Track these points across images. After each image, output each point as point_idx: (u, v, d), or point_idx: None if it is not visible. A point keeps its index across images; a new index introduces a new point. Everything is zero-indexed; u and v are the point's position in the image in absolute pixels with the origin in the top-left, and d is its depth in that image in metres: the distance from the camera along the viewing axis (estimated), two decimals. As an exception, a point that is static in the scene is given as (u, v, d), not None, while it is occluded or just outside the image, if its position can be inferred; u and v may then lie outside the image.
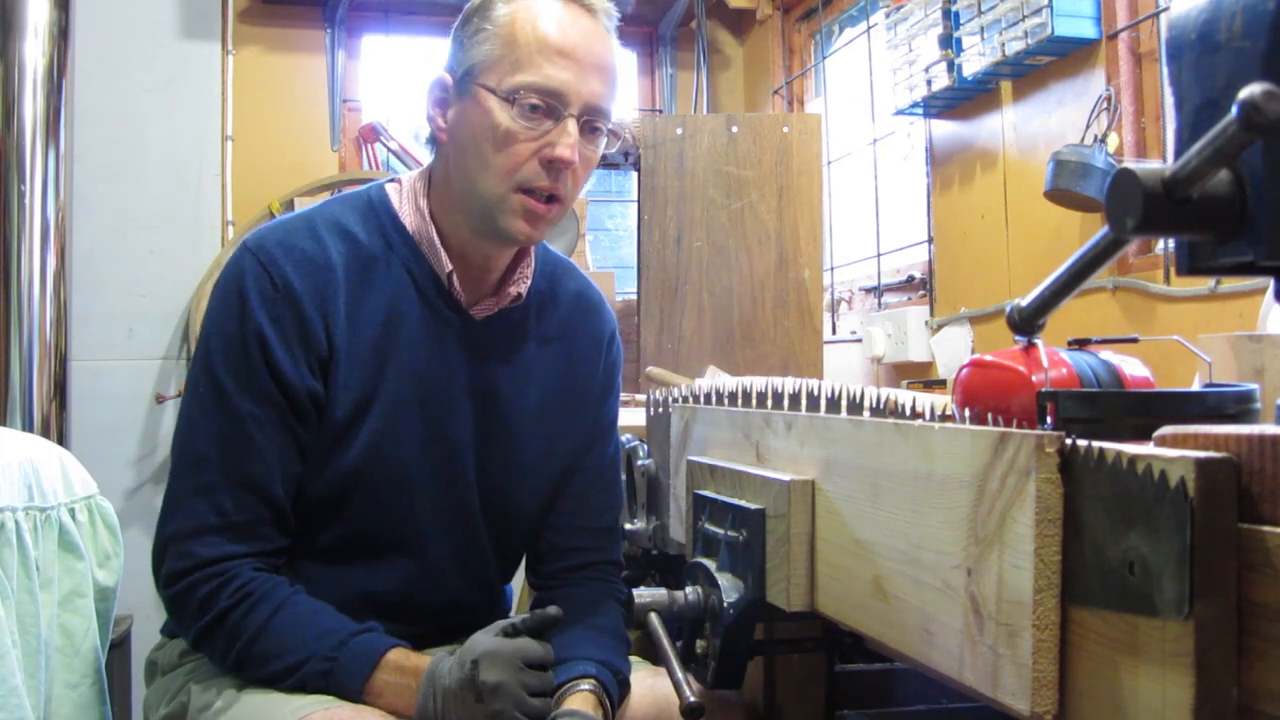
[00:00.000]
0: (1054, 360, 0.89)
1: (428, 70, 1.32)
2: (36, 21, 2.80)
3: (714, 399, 1.33)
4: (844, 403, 0.99)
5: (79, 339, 3.08)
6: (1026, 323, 0.93)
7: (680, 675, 1.11)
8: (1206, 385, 0.94)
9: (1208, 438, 0.62)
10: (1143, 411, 0.83)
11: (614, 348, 1.48)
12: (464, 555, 1.36)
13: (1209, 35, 0.70)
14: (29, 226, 2.79)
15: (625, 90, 3.97)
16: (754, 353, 2.67)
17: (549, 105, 1.21)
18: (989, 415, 0.77)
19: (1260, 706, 0.58)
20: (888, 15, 2.76)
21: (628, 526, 1.57)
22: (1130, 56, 2.19)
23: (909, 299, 3.00)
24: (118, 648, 2.75)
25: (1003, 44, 2.29)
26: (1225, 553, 0.59)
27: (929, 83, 2.59)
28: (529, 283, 1.36)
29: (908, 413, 0.87)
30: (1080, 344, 0.93)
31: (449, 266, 1.30)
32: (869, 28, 3.18)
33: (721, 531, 1.13)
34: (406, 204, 1.32)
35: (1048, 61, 2.33)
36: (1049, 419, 0.81)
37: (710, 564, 1.14)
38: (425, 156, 1.39)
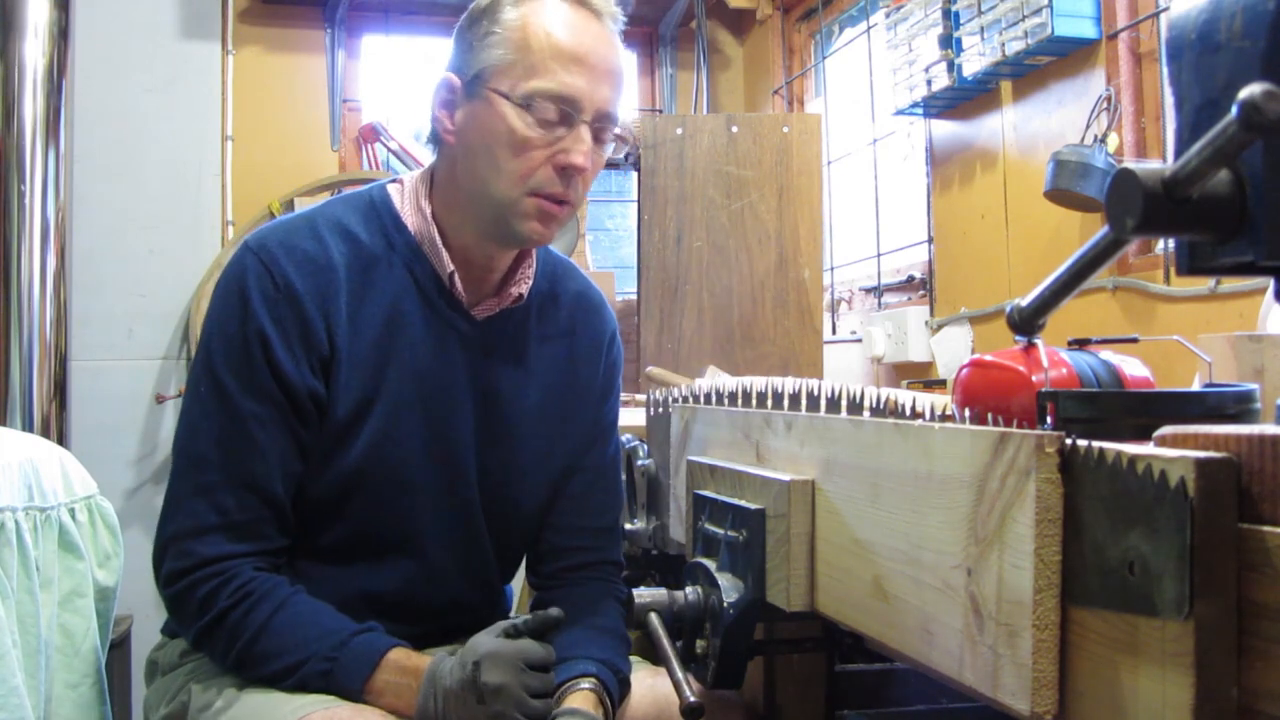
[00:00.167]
0: (1054, 360, 0.89)
1: (429, 70, 1.32)
2: (36, 21, 2.80)
3: (714, 399, 1.33)
4: (844, 403, 0.99)
5: (79, 339, 3.09)
6: (1026, 323, 0.93)
7: (680, 675, 1.11)
8: (1206, 385, 0.94)
9: (1208, 438, 0.62)
10: (1143, 411, 0.83)
11: (614, 348, 1.48)
12: (465, 555, 1.36)
13: (1209, 35, 0.70)
14: (29, 226, 2.79)
15: (626, 90, 3.98)
16: (754, 353, 2.67)
17: (563, 112, 1.22)
18: (989, 415, 0.77)
19: (1260, 706, 0.58)
20: (888, 15, 2.76)
21: (628, 526, 1.57)
22: (1130, 56, 2.19)
23: (909, 299, 3.00)
24: (118, 648, 2.75)
25: (1003, 44, 2.29)
26: (1225, 553, 0.59)
27: (929, 83, 2.59)
28: (530, 283, 1.37)
29: (908, 413, 0.87)
30: (1080, 344, 0.93)
31: (450, 267, 1.30)
32: (869, 28, 3.18)
33: (721, 531, 1.13)
34: (408, 204, 1.33)
35: (1048, 61, 2.33)
36: (1049, 419, 0.81)
37: (710, 564, 1.14)
38: (425, 156, 1.39)
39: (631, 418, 1.69)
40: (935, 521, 0.79)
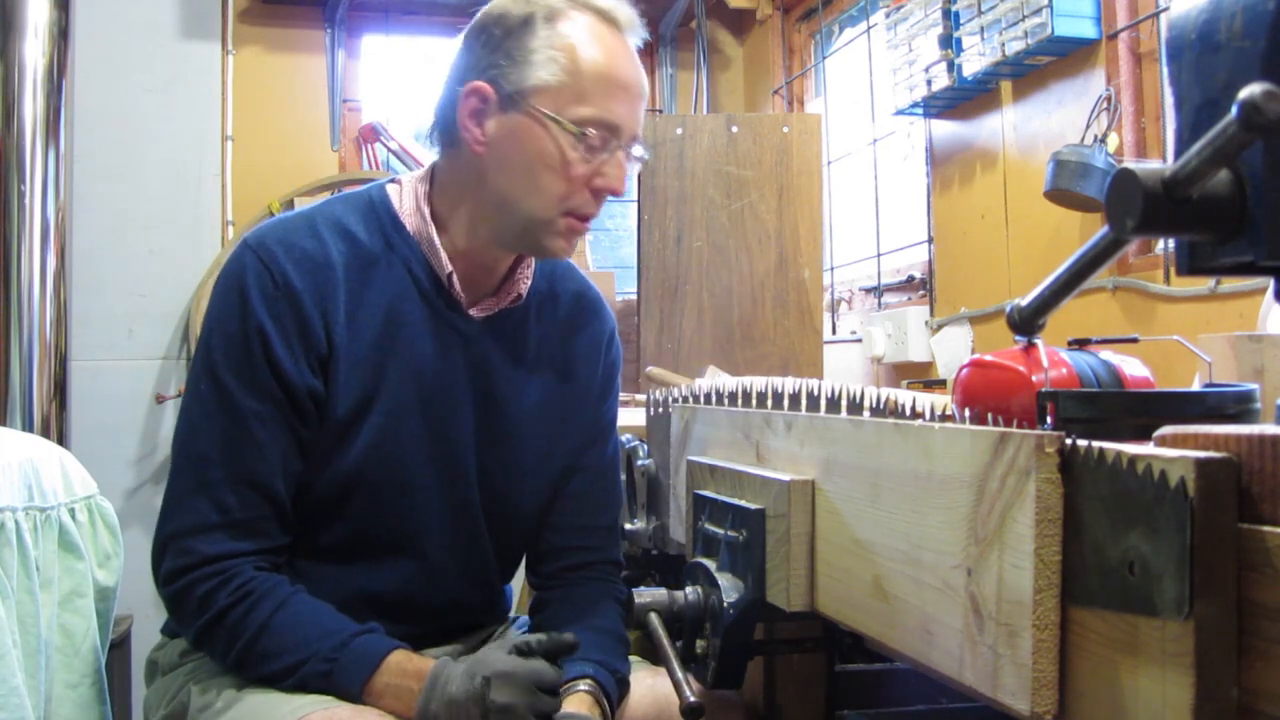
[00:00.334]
0: (1054, 360, 0.89)
1: (429, 70, 1.32)
2: (36, 21, 2.80)
3: (714, 399, 1.33)
4: (844, 403, 0.99)
5: (79, 339, 3.09)
6: (1026, 323, 0.93)
7: (680, 675, 1.11)
8: (1206, 385, 0.94)
9: (1208, 438, 0.62)
10: (1143, 411, 0.83)
11: (613, 348, 1.48)
12: (465, 555, 1.36)
13: (1209, 35, 0.70)
14: (29, 226, 2.79)
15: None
16: (754, 353, 2.67)
17: (605, 138, 1.23)
18: (989, 415, 0.77)
19: (1260, 706, 0.58)
20: (888, 15, 2.76)
21: (628, 526, 1.57)
22: (1130, 56, 2.19)
23: (909, 299, 3.00)
24: (118, 648, 2.75)
25: (1003, 44, 2.29)
26: (1225, 553, 0.59)
27: (929, 83, 2.59)
28: (529, 283, 1.37)
29: (908, 413, 0.87)
30: (1080, 344, 0.93)
31: (449, 268, 1.30)
32: (869, 28, 3.18)
33: (721, 531, 1.13)
34: (407, 204, 1.33)
35: (1048, 61, 2.33)
36: (1049, 419, 0.81)
37: (710, 564, 1.14)
38: (425, 156, 1.39)
39: (631, 418, 1.69)
40: (935, 521, 0.79)
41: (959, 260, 2.76)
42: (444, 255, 1.30)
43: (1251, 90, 0.57)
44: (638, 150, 1.28)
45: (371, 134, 3.60)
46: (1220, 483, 0.59)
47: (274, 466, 1.23)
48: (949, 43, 2.49)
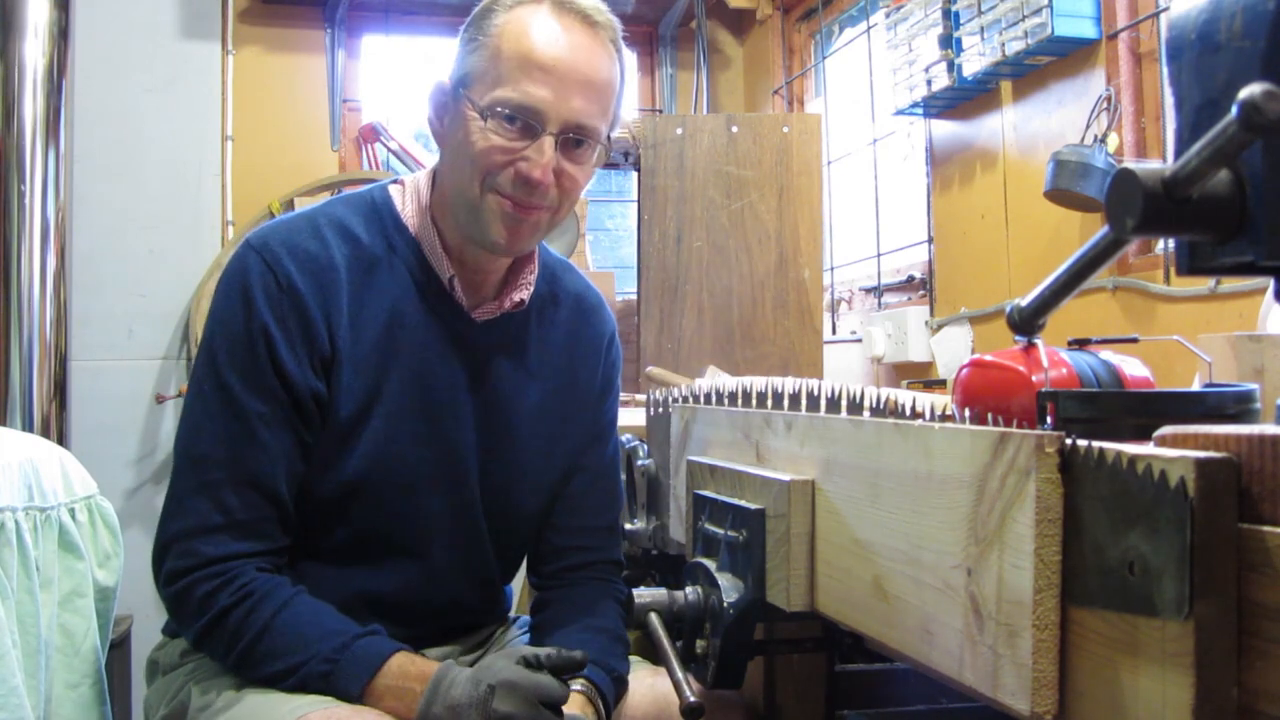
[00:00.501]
0: (1054, 360, 0.89)
1: (429, 70, 1.32)
2: (36, 21, 2.80)
3: (714, 399, 1.33)
4: (844, 403, 0.99)
5: (79, 339, 3.08)
6: (1026, 323, 0.93)
7: (680, 675, 1.11)
8: (1206, 385, 0.94)
9: (1208, 438, 0.62)
10: (1143, 411, 0.83)
11: (613, 348, 1.48)
12: (466, 556, 1.36)
13: (1209, 35, 0.70)
14: (29, 226, 2.79)
15: (626, 92, 3.98)
16: (754, 353, 2.67)
17: (525, 123, 1.20)
18: (989, 415, 0.77)
19: (1260, 706, 0.58)
20: (888, 15, 2.76)
21: (628, 526, 1.57)
22: (1130, 56, 2.19)
23: (909, 299, 3.00)
24: (118, 648, 2.75)
25: (1003, 44, 2.29)
26: (1225, 553, 0.59)
27: (929, 83, 2.59)
28: (532, 289, 1.36)
29: (908, 413, 0.87)
30: (1080, 344, 0.93)
31: (450, 271, 1.30)
32: (869, 28, 3.18)
33: (721, 531, 1.13)
34: (409, 206, 1.32)
35: (1048, 61, 2.33)
36: (1049, 419, 0.81)
37: (710, 564, 1.14)
38: (426, 157, 1.39)
39: (631, 418, 1.69)
40: (935, 521, 0.79)
41: (959, 260, 2.76)
42: (445, 258, 1.30)
43: (1251, 90, 0.57)
44: (596, 141, 1.23)
45: (371, 134, 3.60)
46: (1220, 483, 0.59)
47: (277, 468, 1.23)
48: (949, 43, 2.49)
